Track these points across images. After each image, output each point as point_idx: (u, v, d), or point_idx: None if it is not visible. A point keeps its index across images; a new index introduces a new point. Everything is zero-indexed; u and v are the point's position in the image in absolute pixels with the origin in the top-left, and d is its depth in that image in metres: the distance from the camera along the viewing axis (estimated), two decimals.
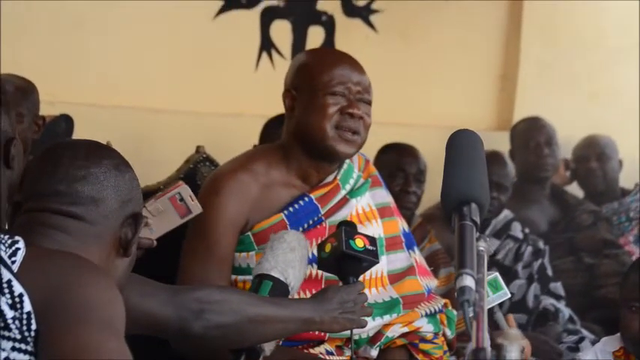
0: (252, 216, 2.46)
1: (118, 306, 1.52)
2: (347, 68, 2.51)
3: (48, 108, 3.36)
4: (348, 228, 2.26)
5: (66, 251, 1.61)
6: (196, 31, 4.12)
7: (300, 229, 2.40)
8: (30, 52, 3.70)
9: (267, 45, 4.29)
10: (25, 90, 3.14)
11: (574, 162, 4.64)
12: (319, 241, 2.31)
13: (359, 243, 2.21)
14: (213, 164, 2.96)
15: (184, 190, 2.24)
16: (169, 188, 2.27)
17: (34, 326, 1.44)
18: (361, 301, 2.18)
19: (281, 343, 2.38)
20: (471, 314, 1.17)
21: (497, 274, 2.39)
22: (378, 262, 2.26)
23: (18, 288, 1.44)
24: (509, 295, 2.36)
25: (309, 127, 2.48)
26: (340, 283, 2.23)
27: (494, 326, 2.37)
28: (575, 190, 4.64)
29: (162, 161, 3.10)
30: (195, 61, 4.10)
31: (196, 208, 2.24)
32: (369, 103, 2.52)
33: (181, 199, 2.24)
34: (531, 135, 4.41)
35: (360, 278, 2.26)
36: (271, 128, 3.40)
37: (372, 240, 2.25)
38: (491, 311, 2.36)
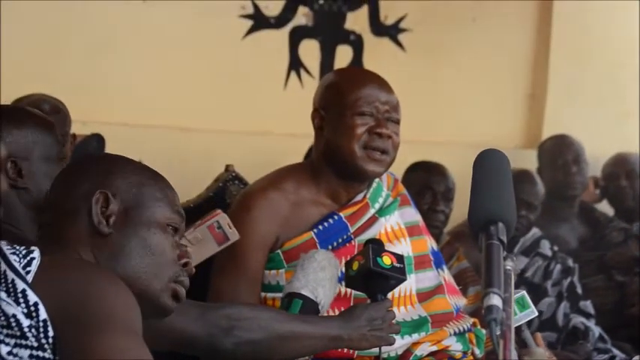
0: (282, 234, 2.47)
1: (136, 310, 1.55)
2: (375, 88, 2.51)
3: (80, 127, 3.40)
4: (375, 246, 2.27)
5: (80, 260, 1.64)
6: (226, 51, 4.16)
7: (329, 247, 2.42)
8: (63, 72, 3.75)
9: (295, 64, 4.31)
10: (56, 109, 3.19)
11: (603, 180, 4.61)
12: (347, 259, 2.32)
13: (386, 260, 2.22)
14: (242, 183, 2.98)
15: (222, 218, 2.29)
16: (207, 217, 2.31)
17: (51, 333, 1.46)
18: (389, 319, 2.20)
19: None
20: (498, 333, 1.18)
21: (524, 292, 2.39)
22: (405, 280, 2.26)
23: (32, 297, 1.46)
24: (537, 314, 2.36)
25: (337, 147, 2.49)
26: (368, 301, 2.24)
27: (522, 344, 2.36)
28: (605, 208, 4.61)
29: (191, 180, 3.11)
30: (225, 80, 4.13)
31: (234, 235, 2.28)
32: (397, 122, 2.53)
33: (219, 227, 2.27)
34: (559, 153, 4.40)
35: (389, 296, 2.27)
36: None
37: (399, 257, 2.25)
38: (518, 329, 2.35)
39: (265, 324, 2.03)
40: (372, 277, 2.22)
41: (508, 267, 1.32)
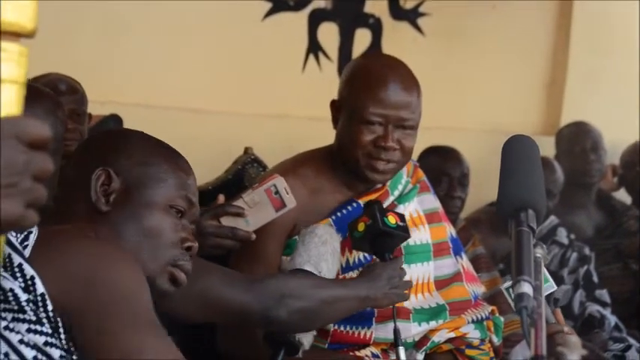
0: (300, 220, 2.45)
1: (145, 286, 1.55)
2: (389, 93, 2.41)
3: (98, 108, 3.39)
4: (379, 206, 2.28)
5: (77, 230, 1.62)
6: (244, 34, 4.14)
7: (347, 234, 2.40)
8: (80, 53, 3.74)
9: (314, 47, 4.29)
10: (73, 89, 3.18)
11: (621, 168, 4.59)
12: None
13: (391, 220, 2.25)
14: (261, 166, 2.97)
15: (279, 182, 2.25)
16: (264, 180, 2.27)
17: (50, 307, 1.45)
18: (403, 276, 2.26)
19: (327, 346, 2.40)
20: (529, 321, 1.17)
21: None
22: (409, 237, 2.29)
23: (29, 271, 1.45)
24: (555, 288, 2.33)
25: (344, 149, 2.46)
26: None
27: None
28: (622, 196, 4.59)
29: (210, 162, 3.11)
30: (243, 62, 4.11)
31: (291, 201, 2.25)
32: (411, 127, 2.43)
33: (276, 192, 2.24)
34: (577, 140, 4.38)
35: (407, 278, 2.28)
36: None
37: (401, 216, 2.28)
38: None
39: (311, 291, 2.07)
40: (380, 237, 2.23)
41: (538, 254, 1.31)
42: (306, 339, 2.10)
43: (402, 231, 2.25)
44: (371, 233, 2.23)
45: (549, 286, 2.30)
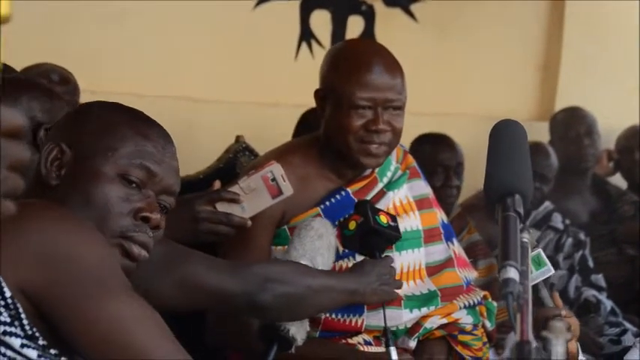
0: (289, 209, 2.44)
1: (109, 251, 1.52)
2: (374, 75, 2.42)
3: (90, 97, 3.37)
4: (371, 205, 2.27)
5: (24, 206, 1.56)
6: (236, 21, 4.13)
7: (336, 223, 2.39)
8: (72, 42, 3.73)
9: (306, 35, 4.28)
10: (65, 79, 3.17)
11: (617, 153, 4.58)
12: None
13: (383, 219, 2.24)
14: (253, 154, 2.97)
15: (276, 168, 2.22)
16: (261, 166, 2.26)
17: (7, 293, 1.42)
18: (394, 274, 2.24)
19: (317, 334, 2.39)
20: (515, 306, 1.16)
21: (540, 249, 2.35)
22: (400, 237, 2.28)
23: None
24: (553, 271, 2.32)
25: (334, 137, 2.46)
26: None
27: (540, 303, 2.33)
28: (618, 181, 4.58)
29: (202, 150, 3.10)
30: (235, 50, 4.10)
31: (287, 189, 2.23)
32: (399, 107, 2.44)
33: (273, 179, 2.22)
34: (571, 125, 4.37)
35: (398, 271, 2.28)
36: (307, 120, 3.41)
37: (392, 217, 2.28)
38: (535, 288, 2.31)
39: (297, 277, 2.04)
40: (371, 235, 2.23)
41: (525, 239, 1.31)
42: (300, 335, 2.08)
43: (393, 231, 2.25)
44: (362, 231, 2.22)
45: (547, 270, 2.29)
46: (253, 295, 1.96)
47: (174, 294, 1.89)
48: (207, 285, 1.92)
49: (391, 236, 2.26)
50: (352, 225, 2.23)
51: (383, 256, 2.24)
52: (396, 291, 2.28)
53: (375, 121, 2.40)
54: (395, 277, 2.24)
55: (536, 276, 2.31)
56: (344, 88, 2.42)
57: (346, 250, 2.38)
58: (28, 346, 1.43)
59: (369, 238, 2.23)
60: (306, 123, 3.47)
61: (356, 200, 2.46)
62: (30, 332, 1.44)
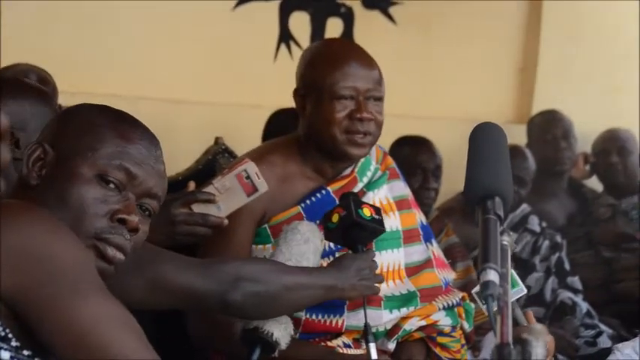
0: (269, 208, 2.45)
1: (84, 252, 1.51)
2: (354, 66, 2.45)
3: (69, 98, 3.36)
4: (354, 197, 2.26)
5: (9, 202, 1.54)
6: (215, 23, 4.12)
7: (317, 221, 2.39)
8: (52, 43, 3.71)
9: (285, 37, 4.29)
10: (44, 80, 3.16)
11: (594, 156, 4.61)
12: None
13: (366, 212, 2.22)
14: (232, 155, 2.96)
15: (250, 167, 2.22)
16: (235, 165, 2.25)
17: None
18: (375, 269, 2.21)
19: (298, 335, 2.39)
20: (495, 309, 1.17)
21: (512, 270, 2.35)
22: (384, 231, 2.26)
23: None
24: (525, 291, 2.32)
25: (319, 131, 2.46)
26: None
27: (514, 322, 2.33)
28: (594, 184, 4.61)
29: (181, 152, 3.09)
30: (214, 52, 4.10)
31: (262, 186, 2.22)
32: (379, 99, 2.47)
33: (247, 177, 2.22)
34: (548, 128, 4.40)
35: (378, 269, 2.27)
36: (275, 122, 3.43)
37: (377, 209, 2.26)
38: None
39: (270, 275, 2.02)
40: (354, 228, 2.21)
41: (505, 242, 1.31)
42: (284, 339, 2.07)
43: (377, 224, 2.23)
44: (344, 224, 2.21)
45: (519, 290, 2.29)
46: (224, 294, 1.94)
47: (145, 294, 1.87)
48: (177, 285, 1.90)
49: (374, 229, 2.24)
50: (335, 218, 2.22)
51: (365, 249, 2.22)
52: (376, 290, 2.27)
53: (359, 109, 2.43)
54: (375, 272, 2.22)
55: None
56: (325, 80, 2.44)
57: (327, 249, 2.39)
58: (0, 348, 1.42)
59: (352, 232, 2.21)
60: (274, 124, 3.49)
61: (336, 199, 2.47)
62: (2, 334, 1.43)
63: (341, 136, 2.43)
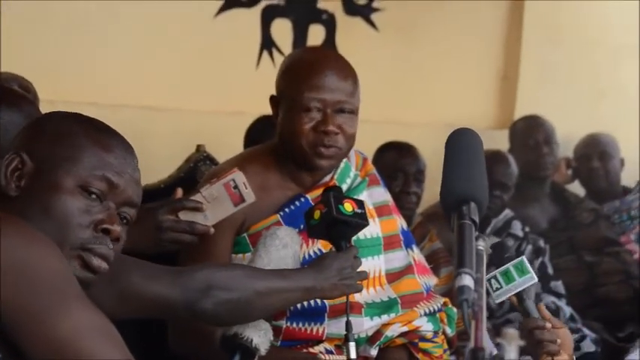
0: (249, 217, 2.44)
1: (64, 263, 1.50)
2: (324, 78, 2.43)
3: (48, 107, 3.34)
4: (335, 193, 2.25)
5: None
6: (197, 30, 4.12)
7: (297, 230, 2.40)
8: (30, 51, 3.70)
9: (267, 44, 4.29)
10: (25, 89, 3.15)
11: (576, 161, 4.64)
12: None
13: (348, 207, 2.20)
14: (214, 163, 2.96)
15: (238, 176, 2.22)
16: (223, 174, 2.25)
17: None
18: (357, 266, 2.19)
19: (279, 344, 2.39)
20: (470, 313, 1.17)
21: (523, 257, 2.29)
22: (367, 225, 2.24)
23: None
24: (536, 280, 2.23)
25: (288, 141, 2.47)
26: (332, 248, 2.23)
27: (525, 314, 2.28)
28: (576, 188, 4.63)
29: (163, 160, 3.09)
30: (196, 59, 4.09)
31: (250, 196, 2.22)
32: (351, 111, 2.45)
33: (235, 187, 2.22)
34: (530, 133, 4.42)
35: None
36: (255, 129, 3.43)
37: (359, 203, 2.23)
38: (520, 297, 2.26)
39: (242, 281, 1.99)
40: (336, 225, 2.19)
41: (480, 247, 1.32)
42: (263, 345, 2.07)
43: (360, 218, 2.21)
44: (325, 221, 2.19)
45: (530, 278, 2.23)
46: (194, 303, 1.92)
47: (116, 304, 1.84)
48: (146, 294, 1.88)
49: (357, 224, 2.21)
50: (317, 214, 2.20)
51: (349, 245, 2.20)
52: (356, 298, 2.26)
53: (324, 122, 2.41)
54: (358, 269, 2.19)
55: (519, 284, 2.22)
56: (294, 91, 2.43)
57: (306, 257, 2.38)
58: None
59: (334, 228, 2.20)
60: (255, 132, 3.49)
61: None
62: None
63: (307, 148, 2.43)
